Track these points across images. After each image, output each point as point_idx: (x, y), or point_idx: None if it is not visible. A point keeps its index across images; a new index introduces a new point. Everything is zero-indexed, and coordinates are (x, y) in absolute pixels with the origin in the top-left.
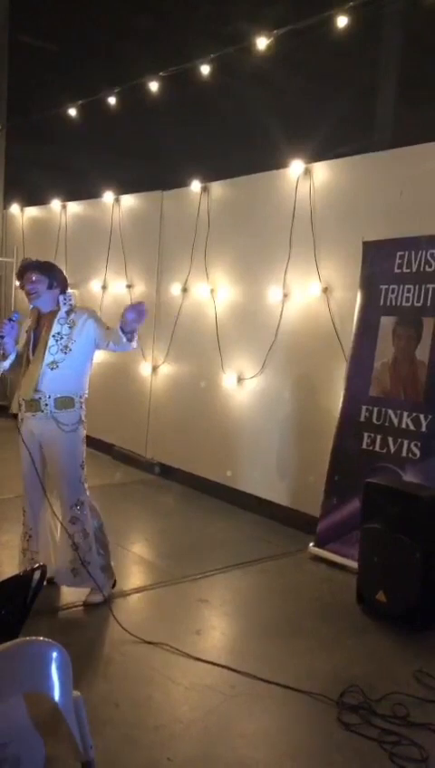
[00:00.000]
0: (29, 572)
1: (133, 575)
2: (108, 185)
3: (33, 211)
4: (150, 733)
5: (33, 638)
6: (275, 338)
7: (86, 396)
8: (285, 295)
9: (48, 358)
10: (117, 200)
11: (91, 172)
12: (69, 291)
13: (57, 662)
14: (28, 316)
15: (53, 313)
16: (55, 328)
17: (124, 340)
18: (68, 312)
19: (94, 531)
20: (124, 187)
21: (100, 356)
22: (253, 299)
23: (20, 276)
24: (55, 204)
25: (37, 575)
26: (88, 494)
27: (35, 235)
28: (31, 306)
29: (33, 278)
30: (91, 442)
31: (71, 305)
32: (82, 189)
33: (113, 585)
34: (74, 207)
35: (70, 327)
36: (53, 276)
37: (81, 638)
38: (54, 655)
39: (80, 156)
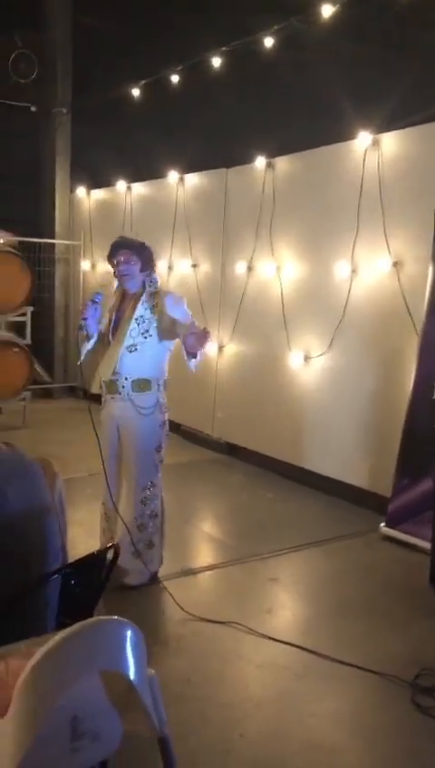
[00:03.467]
0: (103, 551)
1: (203, 553)
2: (172, 164)
3: (99, 193)
4: (222, 709)
5: (108, 616)
6: (344, 315)
7: (165, 380)
8: (353, 271)
9: (128, 340)
10: (181, 179)
11: (155, 152)
12: (155, 272)
13: (132, 641)
14: (111, 294)
15: (138, 295)
16: (138, 311)
17: (186, 358)
18: (152, 295)
19: (161, 515)
20: (188, 166)
21: None
22: (320, 275)
23: (113, 254)
24: (121, 185)
25: (111, 553)
26: (160, 477)
27: (101, 217)
28: (116, 286)
29: (129, 260)
30: None
31: (156, 288)
32: (146, 170)
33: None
34: (139, 188)
35: (151, 311)
36: (146, 258)
37: (149, 616)
38: (129, 633)
39: (144, 136)
